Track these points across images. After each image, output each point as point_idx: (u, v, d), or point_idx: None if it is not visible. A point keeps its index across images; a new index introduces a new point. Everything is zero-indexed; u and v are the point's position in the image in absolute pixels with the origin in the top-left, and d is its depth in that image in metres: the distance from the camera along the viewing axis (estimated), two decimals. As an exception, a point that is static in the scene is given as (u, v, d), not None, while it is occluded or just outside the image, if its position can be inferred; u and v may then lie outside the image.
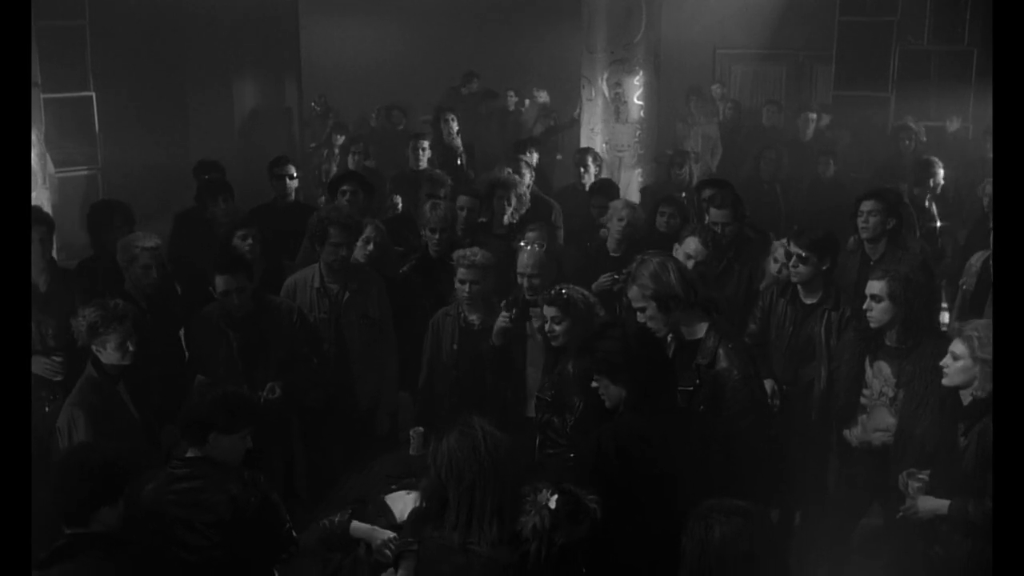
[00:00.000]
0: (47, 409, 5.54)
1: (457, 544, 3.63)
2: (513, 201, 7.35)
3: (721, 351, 4.52)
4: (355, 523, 4.29)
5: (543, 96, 12.32)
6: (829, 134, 11.67)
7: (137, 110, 11.37)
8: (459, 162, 9.81)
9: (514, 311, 5.47)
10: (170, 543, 4.15)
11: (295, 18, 13.17)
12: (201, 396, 4.50)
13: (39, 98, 8.32)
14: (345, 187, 7.06)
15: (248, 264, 5.74)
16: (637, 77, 10.15)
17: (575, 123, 11.05)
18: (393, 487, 4.68)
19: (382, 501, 4.52)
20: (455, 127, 10.04)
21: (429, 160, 8.93)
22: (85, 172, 10.69)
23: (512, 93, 13.05)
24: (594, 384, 4.36)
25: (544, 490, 3.72)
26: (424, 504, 3.82)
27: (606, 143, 10.27)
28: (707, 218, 6.62)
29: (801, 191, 9.82)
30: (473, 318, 5.78)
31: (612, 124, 10.32)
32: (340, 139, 11.98)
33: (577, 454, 4.58)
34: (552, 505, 3.60)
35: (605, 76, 10.23)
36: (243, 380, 5.42)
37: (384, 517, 4.40)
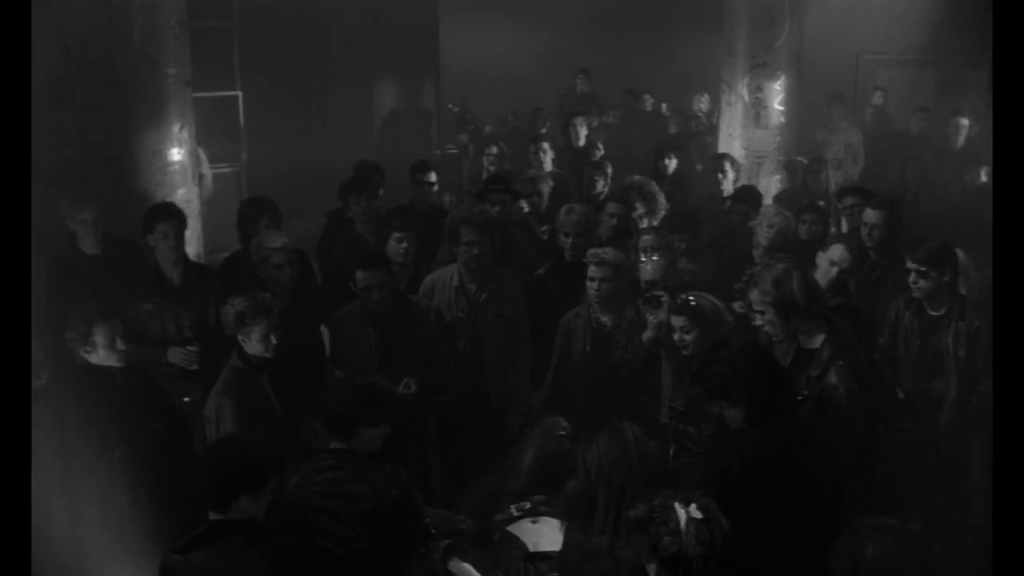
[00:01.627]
0: (186, 399, 5.75)
1: (605, 548, 3.60)
2: (647, 205, 7.27)
3: (833, 366, 4.44)
4: (461, 565, 4.26)
5: (702, 101, 12.17)
6: (981, 142, 11.20)
7: (280, 110, 11.64)
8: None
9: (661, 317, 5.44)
10: (315, 532, 4.24)
11: (435, 21, 13.32)
12: (343, 390, 4.56)
13: (190, 97, 8.59)
14: (494, 191, 7.05)
15: (388, 261, 5.83)
16: (778, 82, 9.97)
17: (713, 129, 10.91)
18: (514, 511, 4.64)
19: (509, 533, 4.49)
20: (583, 131, 9.99)
21: (554, 163, 8.91)
22: (229, 169, 11.01)
23: (648, 96, 12.94)
24: (715, 409, 4.31)
25: (681, 500, 3.65)
26: (571, 506, 3.79)
27: (744, 148, 10.10)
28: (847, 225, 6.47)
29: (948, 202, 9.46)
30: (605, 319, 5.77)
31: (751, 129, 10.15)
32: (477, 142, 12.12)
33: (704, 467, 4.51)
34: (695, 515, 3.53)
35: (745, 80, 10.08)
36: (380, 376, 5.48)
37: (514, 548, 4.38)
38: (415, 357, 5.70)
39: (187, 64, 8.48)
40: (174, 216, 5.89)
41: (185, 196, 8.34)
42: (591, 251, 5.75)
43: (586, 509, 3.72)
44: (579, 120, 10.02)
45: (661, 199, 7.36)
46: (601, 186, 7.99)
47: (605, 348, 5.70)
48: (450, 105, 13.63)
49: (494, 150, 9.44)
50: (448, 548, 4.34)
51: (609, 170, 8.24)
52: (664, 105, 13.14)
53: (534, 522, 4.39)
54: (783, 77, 9.95)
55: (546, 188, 7.71)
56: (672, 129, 12.14)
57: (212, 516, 3.87)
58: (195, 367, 5.74)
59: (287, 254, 5.83)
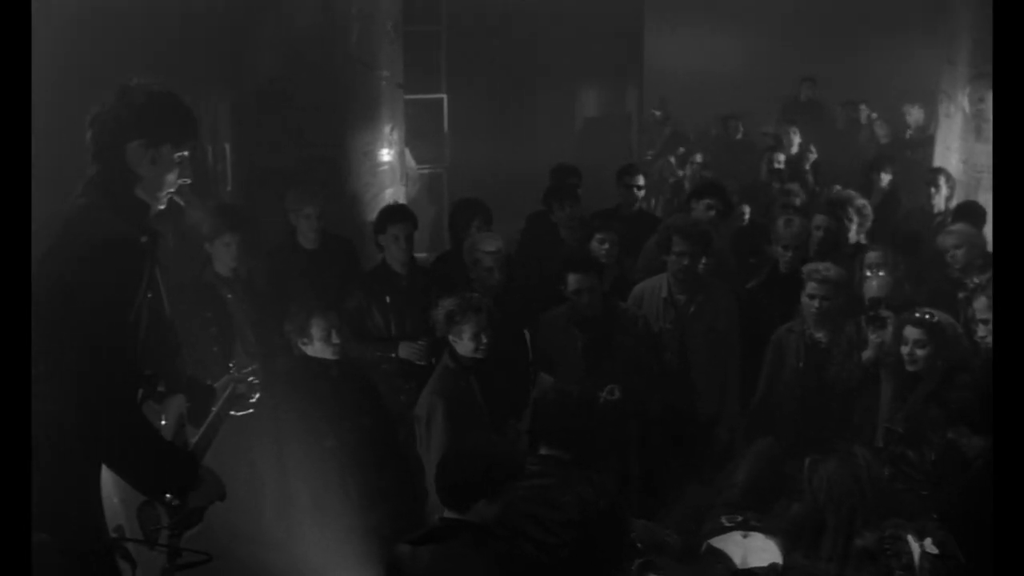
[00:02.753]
0: (402, 398, 5.85)
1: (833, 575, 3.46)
2: (856, 218, 7.00)
3: None
4: None
5: (913, 111, 11.69)
6: None
7: (484, 113, 11.79)
8: (806, 171, 9.47)
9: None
10: (522, 538, 4.24)
11: (640, 25, 13.24)
12: (556, 397, 4.55)
13: (401, 99, 8.81)
14: (707, 200, 6.95)
15: (600, 265, 5.80)
16: (1004, 93, 9.38)
17: (927, 141, 10.40)
18: (725, 522, 4.54)
19: (716, 548, 4.39)
20: (796, 139, 9.73)
21: (779, 173, 8.68)
22: (433, 171, 11.22)
23: (864, 106, 12.46)
24: (950, 435, 4.07)
25: (914, 532, 3.46)
26: (795, 530, 3.67)
27: (963, 162, 9.55)
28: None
29: None
30: (820, 335, 5.61)
31: (971, 143, 9.57)
32: (681, 149, 11.97)
33: (940, 496, 4.27)
34: (930, 550, 3.33)
35: (967, 91, 9.52)
36: (584, 381, 5.46)
37: (721, 563, 4.28)
38: (620, 364, 5.63)
39: (399, 67, 8.71)
40: (407, 219, 6.04)
41: (393, 196, 8.57)
42: (811, 267, 5.57)
43: (811, 534, 3.57)
44: (792, 128, 9.76)
45: (869, 212, 7.08)
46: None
47: (819, 365, 5.51)
48: (652, 110, 13.53)
49: (699, 158, 9.29)
50: (643, 565, 4.27)
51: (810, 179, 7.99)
52: (875, 115, 12.64)
53: (745, 536, 4.29)
54: (1009, 88, 9.37)
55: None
56: (883, 140, 11.66)
57: (447, 514, 3.92)
58: (424, 362, 5.82)
59: (499, 258, 5.87)
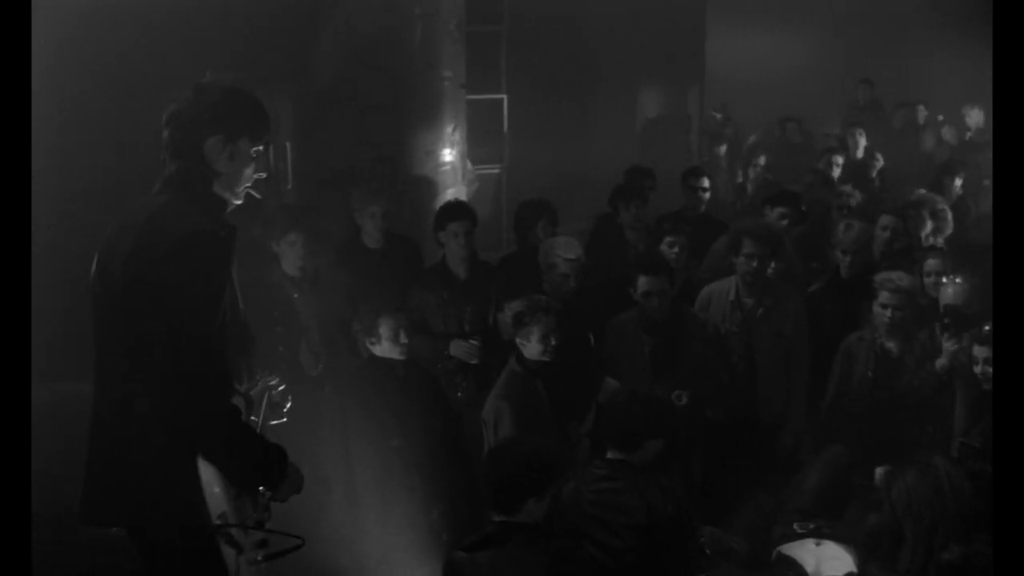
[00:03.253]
0: (460, 395, 5.85)
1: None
2: (930, 222, 6.86)
3: None
4: None
5: (973, 112, 11.47)
6: None
7: (543, 113, 11.74)
8: (872, 178, 9.32)
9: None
10: (586, 541, 4.21)
11: (702, 27, 13.13)
12: (628, 402, 4.52)
13: (463, 99, 8.80)
14: (781, 208, 6.85)
15: (671, 268, 5.73)
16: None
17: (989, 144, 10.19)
18: (797, 528, 4.48)
19: (787, 555, 4.33)
20: (863, 141, 9.58)
21: (839, 176, 8.55)
22: (491, 171, 11.20)
23: (922, 107, 12.25)
24: None
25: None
26: (872, 540, 3.60)
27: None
28: None
29: None
30: (891, 345, 5.53)
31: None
32: (722, 148, 11.83)
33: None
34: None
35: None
36: (651, 385, 5.42)
37: (792, 571, 4.22)
38: (689, 369, 5.59)
39: (462, 68, 8.71)
40: (467, 216, 6.01)
41: (454, 196, 8.57)
42: (883, 276, 5.48)
43: (889, 545, 3.50)
44: (858, 131, 9.61)
45: (950, 217, 6.94)
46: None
47: (890, 374, 5.42)
48: (712, 112, 13.41)
49: (762, 160, 9.17)
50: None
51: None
52: (941, 117, 12.42)
53: (818, 544, 4.24)
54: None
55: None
56: (952, 143, 11.46)
57: (497, 517, 3.91)
58: (475, 361, 5.81)
59: (577, 266, 5.80)
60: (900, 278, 5.46)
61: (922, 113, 12.12)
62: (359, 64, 8.11)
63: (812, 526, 4.36)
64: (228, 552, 3.02)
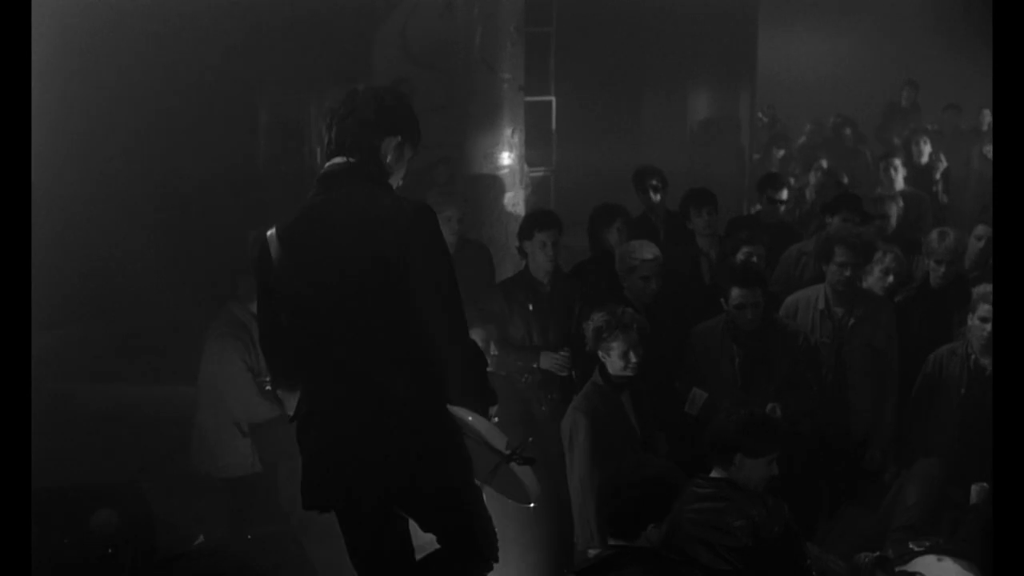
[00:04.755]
0: (543, 408, 5.72)
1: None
2: None
3: None
4: None
5: None
6: None
7: (592, 115, 11.63)
8: (936, 180, 9.17)
9: None
10: (689, 562, 4.09)
11: (754, 29, 12.97)
12: (728, 416, 4.40)
13: (522, 101, 8.69)
14: (842, 213, 6.69)
15: (765, 280, 5.60)
16: None
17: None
18: (914, 547, 4.35)
19: (906, 573, 4.20)
20: (927, 148, 9.42)
21: (905, 181, 8.39)
22: (540, 173, 11.07)
23: (988, 112, 12.03)
24: None
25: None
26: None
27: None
28: None
29: None
30: (985, 362, 5.36)
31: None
32: (780, 152, 11.69)
33: None
34: None
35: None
36: (740, 397, 5.29)
37: None
38: (780, 381, 5.44)
39: (521, 69, 8.60)
40: (554, 225, 5.86)
41: (512, 200, 8.48)
42: (984, 289, 5.30)
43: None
44: (923, 138, 9.46)
45: None
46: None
47: (985, 392, 5.25)
48: (759, 114, 13.26)
49: (824, 164, 9.01)
50: None
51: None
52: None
53: (939, 560, 4.12)
54: None
55: (895, 209, 7.24)
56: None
57: (612, 542, 3.79)
58: (565, 373, 5.69)
59: (657, 267, 5.69)
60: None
61: (986, 118, 11.83)
62: (417, 65, 8.02)
63: (928, 543, 4.24)
64: (524, 471, 3.29)
